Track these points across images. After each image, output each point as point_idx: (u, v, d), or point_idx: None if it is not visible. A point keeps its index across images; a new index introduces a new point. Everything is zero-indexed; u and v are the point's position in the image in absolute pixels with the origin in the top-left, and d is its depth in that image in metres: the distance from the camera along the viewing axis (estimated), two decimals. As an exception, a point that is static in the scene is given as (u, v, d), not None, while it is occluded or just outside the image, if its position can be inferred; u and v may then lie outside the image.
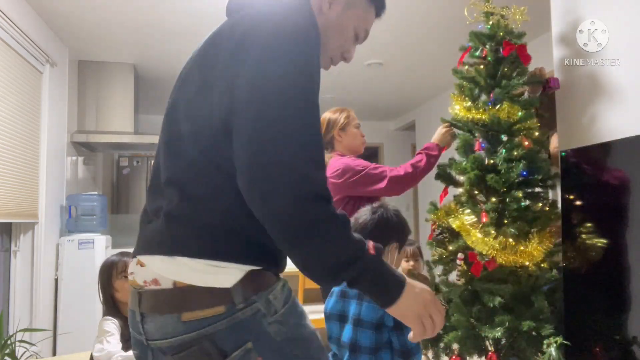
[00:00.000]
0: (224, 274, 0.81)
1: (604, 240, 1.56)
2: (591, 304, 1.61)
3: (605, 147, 1.59)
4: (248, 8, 0.92)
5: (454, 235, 1.82)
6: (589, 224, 1.62)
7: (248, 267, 0.83)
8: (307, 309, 3.56)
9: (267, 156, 0.76)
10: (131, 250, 2.00)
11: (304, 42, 0.83)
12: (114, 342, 1.73)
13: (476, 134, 1.87)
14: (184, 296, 0.81)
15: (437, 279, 1.89)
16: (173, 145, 0.89)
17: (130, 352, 1.71)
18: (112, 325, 1.79)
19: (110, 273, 1.86)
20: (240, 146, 0.78)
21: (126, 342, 1.76)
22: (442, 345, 1.77)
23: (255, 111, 0.78)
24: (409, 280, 0.84)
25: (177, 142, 0.88)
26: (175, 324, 0.80)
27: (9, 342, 2.40)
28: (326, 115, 2.33)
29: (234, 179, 0.81)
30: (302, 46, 0.83)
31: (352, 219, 1.66)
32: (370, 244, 0.80)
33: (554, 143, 1.95)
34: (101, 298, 1.89)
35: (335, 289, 1.64)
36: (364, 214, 1.62)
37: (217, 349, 0.79)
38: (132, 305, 0.90)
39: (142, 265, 0.87)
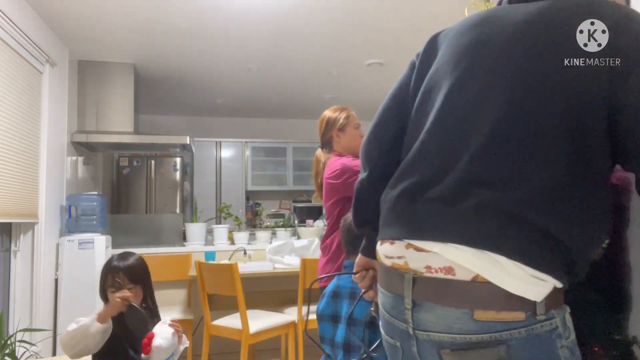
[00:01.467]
0: (541, 287, 0.72)
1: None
2: (591, 304, 1.61)
3: (605, 147, 1.59)
4: None
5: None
6: (588, 224, 1.62)
7: (560, 284, 0.75)
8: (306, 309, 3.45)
9: None
10: (130, 250, 1.95)
11: None
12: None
13: (476, 134, 1.87)
14: (481, 292, 0.73)
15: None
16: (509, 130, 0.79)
17: (85, 319, 1.62)
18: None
19: (105, 279, 1.78)
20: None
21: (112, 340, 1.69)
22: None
23: None
24: None
25: (511, 130, 0.78)
26: (466, 319, 0.73)
27: (9, 342, 2.40)
28: (326, 114, 2.32)
29: (595, 186, 0.76)
30: None
31: (342, 219, 1.67)
32: None
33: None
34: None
35: (327, 290, 1.64)
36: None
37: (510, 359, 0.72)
38: (398, 290, 0.82)
39: (418, 250, 0.79)
